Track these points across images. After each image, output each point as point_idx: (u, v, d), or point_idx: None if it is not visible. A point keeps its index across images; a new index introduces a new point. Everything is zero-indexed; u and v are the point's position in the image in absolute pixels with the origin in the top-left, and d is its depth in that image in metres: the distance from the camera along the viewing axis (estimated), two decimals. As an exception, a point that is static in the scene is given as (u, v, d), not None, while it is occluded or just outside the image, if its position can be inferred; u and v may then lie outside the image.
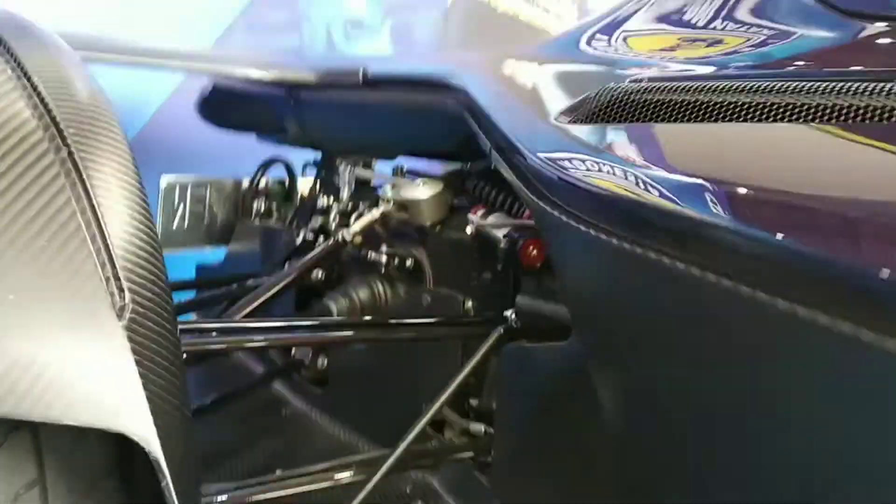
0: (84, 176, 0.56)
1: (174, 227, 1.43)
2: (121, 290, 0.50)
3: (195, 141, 1.69)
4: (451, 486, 1.09)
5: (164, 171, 1.42)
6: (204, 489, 0.87)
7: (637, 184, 0.55)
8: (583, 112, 0.72)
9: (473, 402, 1.11)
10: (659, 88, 0.69)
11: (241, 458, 1.26)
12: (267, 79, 1.24)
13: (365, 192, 1.33)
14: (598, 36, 0.97)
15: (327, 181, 1.41)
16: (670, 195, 0.52)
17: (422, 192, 1.14)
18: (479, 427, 1.09)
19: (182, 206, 1.43)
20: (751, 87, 0.63)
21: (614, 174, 0.57)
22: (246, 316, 1.00)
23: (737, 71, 0.71)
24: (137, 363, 0.47)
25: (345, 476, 0.93)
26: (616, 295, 0.61)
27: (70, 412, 0.44)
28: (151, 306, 0.52)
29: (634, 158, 0.60)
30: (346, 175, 1.35)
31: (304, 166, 1.50)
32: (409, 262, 1.20)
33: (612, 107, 0.71)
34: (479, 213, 1.04)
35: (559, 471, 0.92)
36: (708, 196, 0.51)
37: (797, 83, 0.60)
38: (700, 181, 0.52)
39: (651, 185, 0.53)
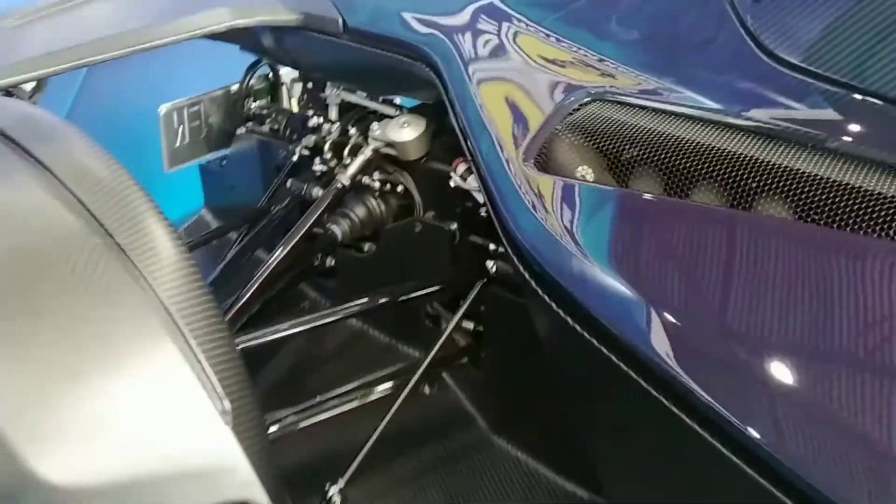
0: (159, 294, 0.74)
1: (177, 146, 1.56)
2: (219, 397, 0.70)
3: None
4: (453, 374, 1.36)
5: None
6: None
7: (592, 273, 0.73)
8: (545, 150, 0.87)
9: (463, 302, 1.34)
10: (615, 135, 0.84)
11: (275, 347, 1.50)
12: (248, 26, 1.31)
13: (353, 114, 1.45)
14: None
15: (314, 96, 1.52)
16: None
17: (406, 133, 1.28)
18: (469, 324, 1.32)
19: (181, 126, 1.55)
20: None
21: (570, 257, 0.75)
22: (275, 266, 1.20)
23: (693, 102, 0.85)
24: (246, 453, 0.69)
25: (379, 391, 1.18)
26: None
27: (213, 497, 0.67)
28: (243, 400, 0.72)
29: (591, 239, 0.77)
30: (332, 96, 1.46)
31: (292, 81, 1.60)
32: (399, 188, 1.36)
33: (572, 141, 0.86)
34: (461, 169, 1.18)
35: (534, 371, 1.18)
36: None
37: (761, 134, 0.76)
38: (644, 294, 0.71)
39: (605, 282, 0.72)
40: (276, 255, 1.21)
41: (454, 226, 1.29)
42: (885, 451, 0.57)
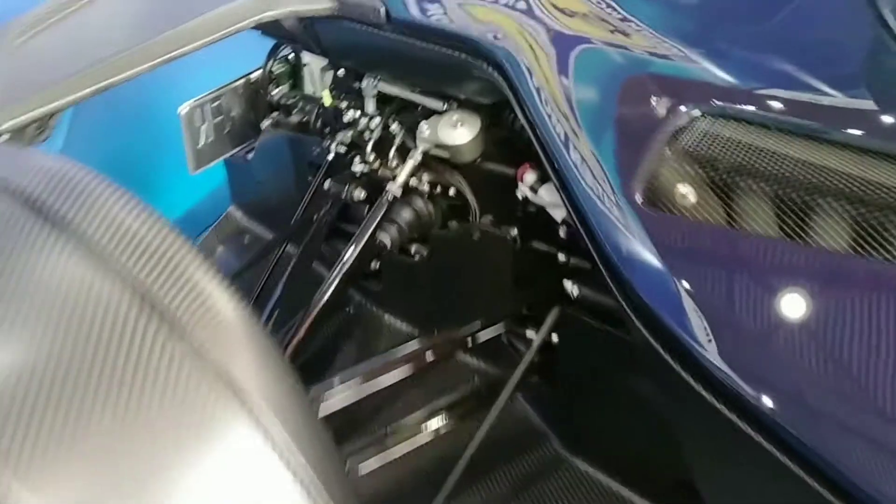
0: (233, 375, 0.65)
1: (200, 147, 1.44)
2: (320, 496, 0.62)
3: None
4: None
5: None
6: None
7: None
8: (652, 181, 0.76)
9: (525, 311, 1.25)
10: (731, 163, 0.74)
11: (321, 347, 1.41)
12: (283, 17, 1.18)
13: (394, 108, 1.33)
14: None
15: (347, 86, 1.39)
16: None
17: (460, 134, 1.16)
18: (532, 332, 1.23)
19: (204, 123, 1.43)
20: None
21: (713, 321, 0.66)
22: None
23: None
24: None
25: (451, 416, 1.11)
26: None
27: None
28: (340, 492, 0.64)
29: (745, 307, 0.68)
30: (369, 87, 1.33)
31: (322, 70, 1.47)
32: (451, 192, 1.26)
33: (682, 170, 0.76)
34: (530, 178, 1.07)
35: (612, 393, 1.10)
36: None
37: None
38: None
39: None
40: (335, 273, 1.13)
41: (514, 232, 1.19)
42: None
